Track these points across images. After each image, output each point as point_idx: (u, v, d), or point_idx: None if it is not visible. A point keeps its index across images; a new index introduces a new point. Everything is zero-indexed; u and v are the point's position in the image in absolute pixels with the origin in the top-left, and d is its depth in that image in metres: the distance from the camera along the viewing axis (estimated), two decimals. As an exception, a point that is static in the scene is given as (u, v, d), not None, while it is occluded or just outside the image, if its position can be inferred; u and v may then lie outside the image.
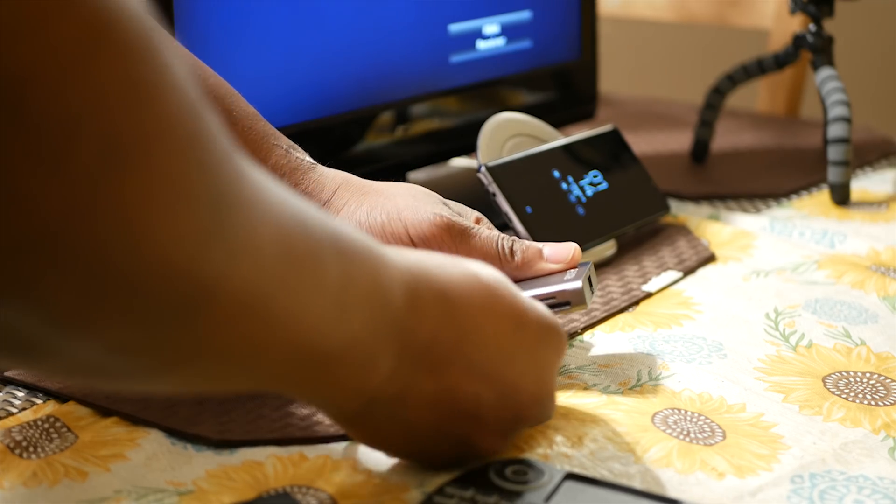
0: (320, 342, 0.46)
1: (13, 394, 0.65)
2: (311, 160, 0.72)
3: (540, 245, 0.70)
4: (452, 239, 0.68)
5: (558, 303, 0.67)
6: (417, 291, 0.50)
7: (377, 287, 0.48)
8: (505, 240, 0.69)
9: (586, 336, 0.73)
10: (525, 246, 0.69)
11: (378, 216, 0.68)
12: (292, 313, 0.44)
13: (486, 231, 0.70)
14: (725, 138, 1.18)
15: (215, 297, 0.40)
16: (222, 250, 0.40)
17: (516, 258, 0.69)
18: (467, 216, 0.71)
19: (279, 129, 0.72)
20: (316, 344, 0.46)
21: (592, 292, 0.69)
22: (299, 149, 0.72)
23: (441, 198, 0.71)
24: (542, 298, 0.66)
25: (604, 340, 0.72)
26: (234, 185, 0.41)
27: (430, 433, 0.53)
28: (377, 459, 0.58)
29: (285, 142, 0.71)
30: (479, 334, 0.52)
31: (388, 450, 0.56)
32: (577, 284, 0.66)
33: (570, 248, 0.70)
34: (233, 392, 0.59)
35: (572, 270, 0.69)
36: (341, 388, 0.49)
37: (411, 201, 0.69)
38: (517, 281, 0.68)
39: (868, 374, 0.69)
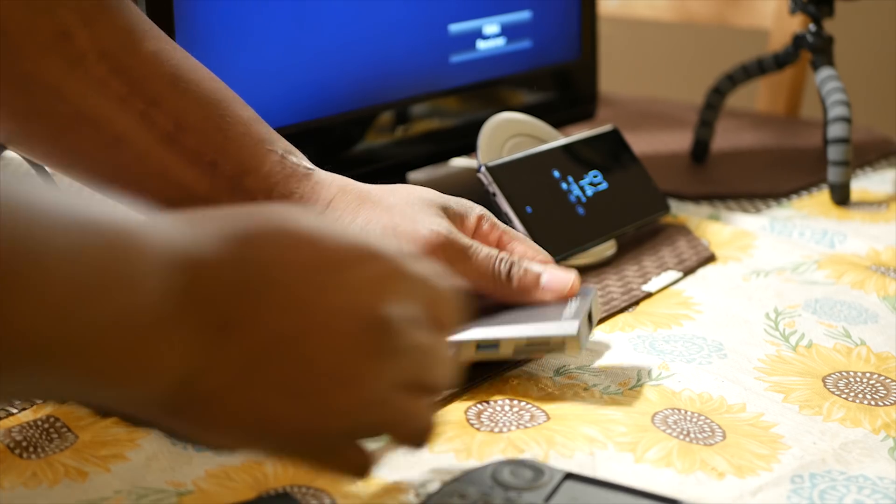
0: (60, 340, 0.41)
1: (13, 394, 0.65)
2: (308, 165, 0.69)
3: (539, 269, 0.67)
4: (448, 258, 0.66)
5: (551, 348, 0.63)
6: (187, 262, 0.45)
7: (132, 268, 0.43)
8: (503, 262, 0.67)
9: (586, 336, 0.73)
10: (523, 271, 0.67)
11: (374, 231, 0.67)
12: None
13: (485, 251, 0.67)
14: (725, 138, 1.18)
15: None
16: None
17: (513, 283, 0.67)
18: (469, 213, 0.70)
19: (279, 128, 0.72)
20: (56, 343, 0.41)
21: (591, 326, 0.66)
22: (297, 153, 0.70)
23: (442, 198, 0.70)
24: (532, 343, 0.63)
25: (604, 340, 0.72)
26: None
27: (274, 395, 0.46)
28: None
29: (282, 146, 0.69)
30: (270, 274, 0.46)
31: (249, 439, 0.48)
32: (573, 329, 0.62)
33: (568, 279, 0.67)
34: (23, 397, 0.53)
35: (574, 302, 0.66)
36: (128, 377, 0.44)
37: (409, 212, 0.67)
38: (512, 306, 0.67)
39: (868, 374, 0.69)
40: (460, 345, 0.63)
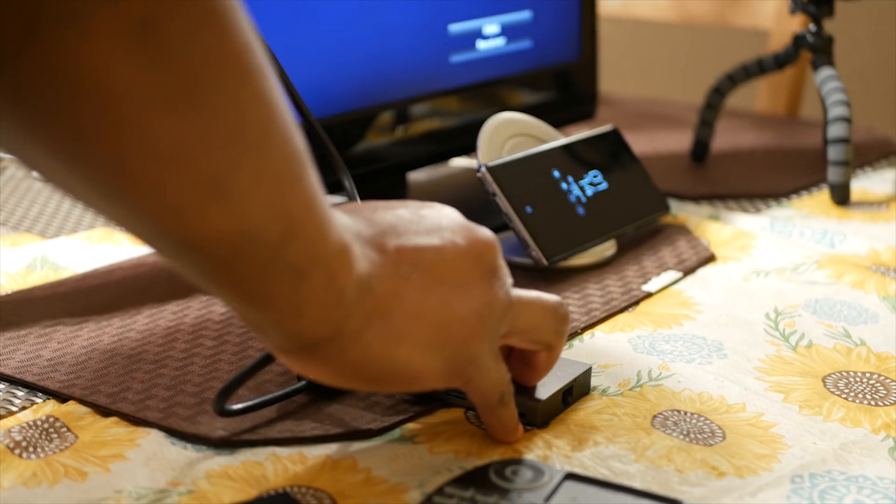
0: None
1: (13, 393, 0.65)
2: None
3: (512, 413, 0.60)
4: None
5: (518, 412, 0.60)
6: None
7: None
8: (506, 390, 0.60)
9: (586, 336, 0.73)
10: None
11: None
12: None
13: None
14: (725, 138, 1.18)
15: None
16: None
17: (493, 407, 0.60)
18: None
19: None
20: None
21: (569, 403, 0.63)
22: None
23: None
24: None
25: (604, 340, 0.72)
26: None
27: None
28: (377, 459, 0.58)
29: None
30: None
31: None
32: (535, 404, 0.61)
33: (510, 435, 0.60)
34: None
35: (560, 373, 0.63)
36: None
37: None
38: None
39: (868, 374, 0.69)
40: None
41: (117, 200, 0.46)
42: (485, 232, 0.56)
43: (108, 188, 0.45)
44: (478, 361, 0.56)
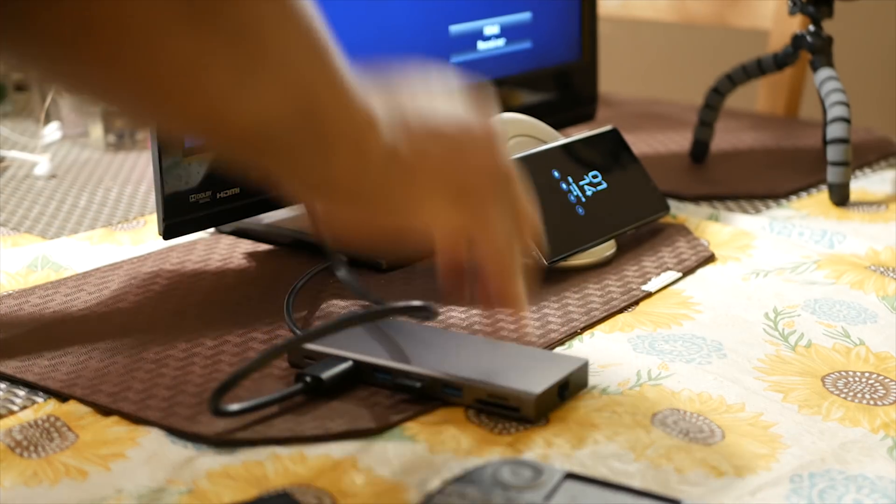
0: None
1: (14, 393, 0.65)
2: None
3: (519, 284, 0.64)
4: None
5: (509, 404, 0.61)
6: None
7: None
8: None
9: (586, 336, 0.73)
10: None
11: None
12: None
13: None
14: (725, 138, 1.18)
15: None
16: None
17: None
18: None
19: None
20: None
21: (565, 398, 0.63)
22: None
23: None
24: (493, 395, 0.61)
25: (604, 340, 0.73)
26: None
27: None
28: (377, 459, 0.58)
29: None
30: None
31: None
32: (533, 391, 0.61)
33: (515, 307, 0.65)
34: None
35: (557, 365, 0.64)
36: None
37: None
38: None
39: (867, 374, 0.69)
40: (430, 378, 0.63)
41: (142, 110, 0.53)
42: (492, 120, 0.64)
43: (133, 103, 0.52)
44: (491, 212, 0.62)
